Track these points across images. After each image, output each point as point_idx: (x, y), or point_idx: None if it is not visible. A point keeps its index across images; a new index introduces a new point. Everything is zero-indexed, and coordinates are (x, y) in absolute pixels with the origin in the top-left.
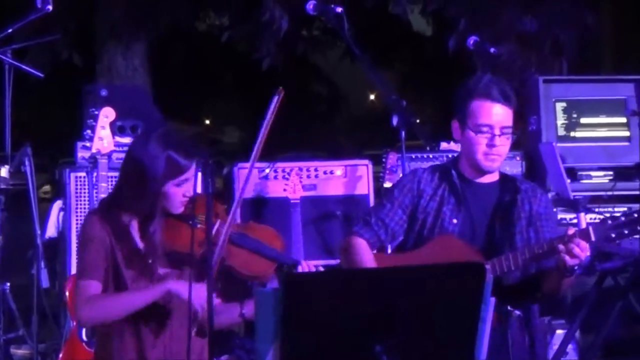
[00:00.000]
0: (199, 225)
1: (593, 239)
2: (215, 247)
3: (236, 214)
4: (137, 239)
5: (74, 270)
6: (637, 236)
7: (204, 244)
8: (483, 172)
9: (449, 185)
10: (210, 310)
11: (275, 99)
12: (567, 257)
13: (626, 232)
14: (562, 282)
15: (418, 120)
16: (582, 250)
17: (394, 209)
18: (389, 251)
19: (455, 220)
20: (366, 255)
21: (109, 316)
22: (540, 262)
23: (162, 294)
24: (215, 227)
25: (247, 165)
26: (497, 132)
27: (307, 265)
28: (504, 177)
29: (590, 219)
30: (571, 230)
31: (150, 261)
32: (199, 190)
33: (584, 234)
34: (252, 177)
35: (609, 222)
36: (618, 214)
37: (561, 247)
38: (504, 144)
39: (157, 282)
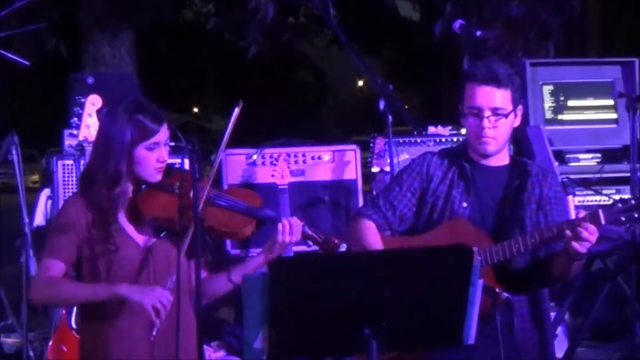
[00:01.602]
0: (177, 191)
1: (603, 222)
2: (189, 210)
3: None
4: (104, 203)
5: None
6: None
7: (182, 209)
8: (484, 155)
9: (458, 168)
10: (198, 290)
11: (236, 110)
12: (575, 244)
13: (636, 215)
14: (571, 265)
15: (406, 106)
16: (591, 234)
17: (403, 192)
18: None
19: (465, 204)
20: (373, 237)
21: (62, 301)
22: (550, 246)
23: (110, 296)
24: (192, 192)
25: (235, 151)
26: (486, 113)
27: (288, 222)
28: (514, 160)
29: (579, 201)
30: (581, 214)
31: (108, 223)
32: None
33: (593, 217)
34: (240, 163)
35: (619, 205)
36: (607, 198)
37: (568, 233)
38: (495, 126)
39: (123, 242)
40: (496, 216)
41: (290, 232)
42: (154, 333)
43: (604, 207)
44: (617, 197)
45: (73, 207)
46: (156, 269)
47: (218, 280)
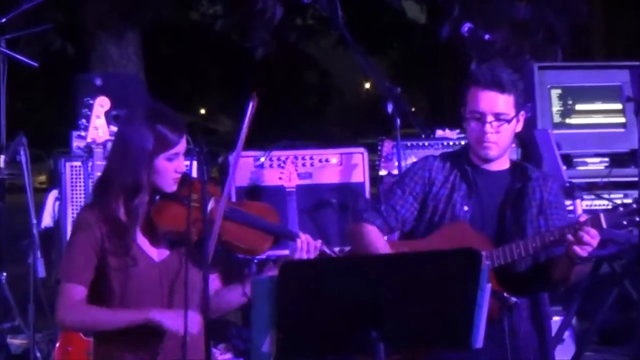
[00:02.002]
0: (193, 204)
1: (604, 226)
2: (211, 226)
3: (232, 194)
4: (122, 216)
5: None
6: None
7: (197, 222)
8: (486, 159)
9: (460, 172)
10: (206, 298)
11: (250, 105)
12: (576, 247)
13: (638, 219)
14: (572, 270)
15: (413, 108)
16: (592, 238)
17: (405, 197)
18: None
19: (466, 208)
20: (379, 241)
21: (88, 328)
22: (550, 250)
23: (143, 321)
24: (210, 205)
25: (243, 153)
26: (489, 118)
27: (306, 239)
28: (514, 164)
29: (587, 205)
30: (583, 218)
31: (127, 235)
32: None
33: (595, 222)
34: (247, 165)
35: (621, 209)
36: (618, 201)
37: (570, 237)
38: (497, 132)
39: (137, 259)
40: (497, 220)
41: (308, 250)
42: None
43: (606, 211)
44: (626, 201)
45: (86, 223)
46: (171, 283)
47: (232, 293)
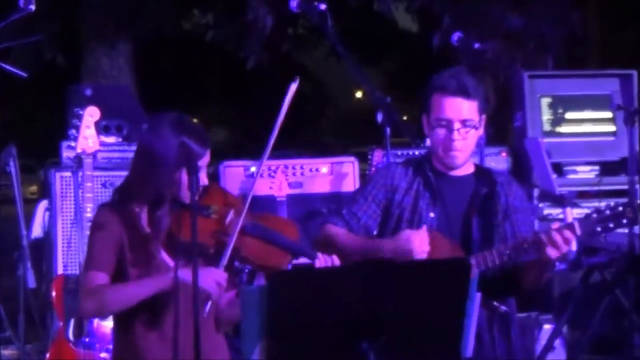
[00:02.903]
0: (213, 216)
1: (578, 233)
2: (227, 238)
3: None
4: (144, 226)
5: (60, 271)
6: (623, 229)
7: (216, 234)
8: (448, 167)
9: (423, 179)
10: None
11: (292, 86)
12: (550, 250)
13: (611, 225)
14: (542, 276)
15: (405, 118)
16: (565, 241)
17: (367, 203)
18: None
19: (432, 214)
20: (349, 237)
21: (113, 306)
22: (520, 256)
23: (167, 282)
24: (229, 216)
25: (233, 163)
26: (456, 125)
27: (324, 260)
28: (478, 169)
29: (577, 214)
30: (556, 225)
31: (152, 247)
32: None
33: (569, 228)
34: (238, 175)
35: (594, 215)
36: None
37: (543, 237)
38: (464, 138)
39: (160, 271)
40: (463, 226)
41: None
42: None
43: (580, 219)
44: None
45: (106, 219)
46: (187, 294)
47: None
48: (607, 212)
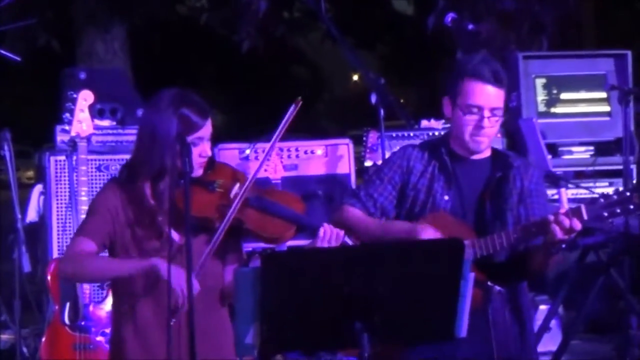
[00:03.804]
0: (217, 190)
1: (585, 217)
2: (228, 209)
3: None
4: (149, 200)
5: (55, 255)
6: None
7: (221, 208)
8: (471, 151)
9: (439, 162)
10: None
11: (292, 108)
12: (557, 229)
13: (618, 210)
14: (549, 259)
15: (402, 100)
16: (574, 225)
17: (383, 185)
18: None
19: (446, 197)
20: (366, 219)
21: (88, 275)
22: (530, 240)
23: (145, 268)
24: (234, 190)
25: (228, 146)
26: (486, 113)
27: (329, 229)
28: (495, 152)
29: (572, 194)
30: (563, 210)
31: (158, 219)
32: None
33: (576, 213)
34: (233, 158)
35: (601, 200)
36: (601, 190)
37: (551, 217)
38: (492, 126)
39: (168, 245)
40: (477, 209)
41: (330, 240)
42: (173, 321)
43: (586, 203)
44: (610, 190)
45: (111, 196)
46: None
47: None
48: (615, 197)
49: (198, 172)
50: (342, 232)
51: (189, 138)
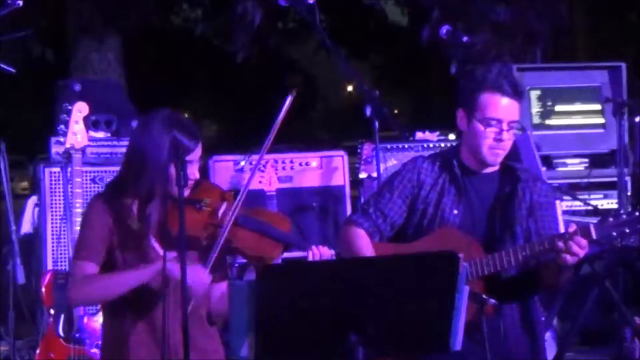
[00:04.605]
0: (205, 209)
1: (594, 237)
2: (219, 230)
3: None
4: (135, 220)
5: (49, 266)
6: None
7: (209, 227)
8: (486, 164)
9: (449, 175)
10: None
11: (288, 99)
12: (566, 256)
13: (627, 230)
14: (560, 276)
15: (396, 111)
16: (582, 248)
17: (394, 199)
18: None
19: (455, 211)
20: (364, 244)
21: (100, 296)
22: (538, 258)
23: (155, 272)
24: (222, 209)
25: (223, 158)
26: (505, 127)
27: (317, 251)
28: (505, 166)
29: (566, 206)
30: (572, 228)
31: (144, 242)
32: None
33: (584, 232)
34: (228, 169)
35: (610, 219)
36: (595, 202)
37: (561, 245)
38: (510, 139)
39: (151, 263)
40: (487, 223)
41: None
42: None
43: (596, 223)
44: (604, 202)
45: (99, 211)
46: (176, 288)
47: None
48: (624, 216)
49: (185, 193)
50: (330, 252)
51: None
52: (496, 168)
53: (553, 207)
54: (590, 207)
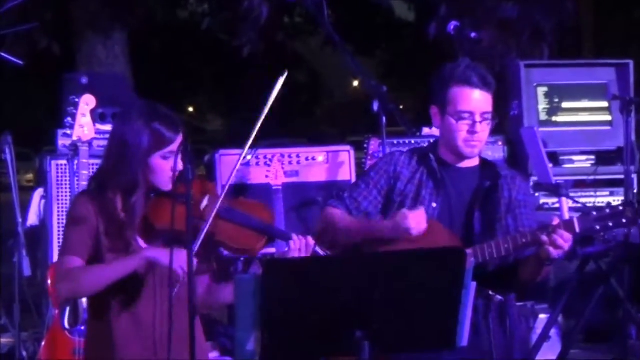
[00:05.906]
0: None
1: (578, 230)
2: (202, 224)
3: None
4: (120, 212)
5: (55, 259)
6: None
7: (195, 221)
8: (463, 157)
9: (427, 169)
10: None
11: (279, 79)
12: (550, 249)
13: (611, 224)
14: (540, 270)
15: (401, 107)
16: (566, 242)
17: (369, 189)
18: None
19: (434, 204)
20: (349, 219)
21: (87, 288)
22: (520, 252)
23: (141, 262)
24: (204, 202)
25: (229, 152)
26: (477, 118)
27: (299, 240)
28: (484, 162)
29: (573, 203)
30: (555, 221)
31: (128, 233)
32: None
33: (568, 226)
34: (234, 163)
35: (594, 213)
36: (600, 202)
37: (544, 238)
38: (484, 130)
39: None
40: (465, 217)
41: (301, 250)
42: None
43: (579, 216)
44: (611, 199)
45: (84, 207)
46: (163, 280)
47: (226, 290)
48: (607, 210)
49: (169, 186)
50: (312, 242)
51: (161, 152)
52: (476, 163)
53: (532, 205)
54: (583, 206)
